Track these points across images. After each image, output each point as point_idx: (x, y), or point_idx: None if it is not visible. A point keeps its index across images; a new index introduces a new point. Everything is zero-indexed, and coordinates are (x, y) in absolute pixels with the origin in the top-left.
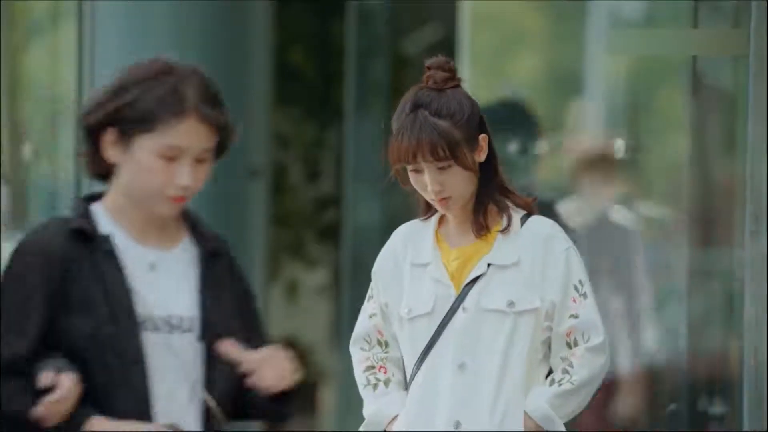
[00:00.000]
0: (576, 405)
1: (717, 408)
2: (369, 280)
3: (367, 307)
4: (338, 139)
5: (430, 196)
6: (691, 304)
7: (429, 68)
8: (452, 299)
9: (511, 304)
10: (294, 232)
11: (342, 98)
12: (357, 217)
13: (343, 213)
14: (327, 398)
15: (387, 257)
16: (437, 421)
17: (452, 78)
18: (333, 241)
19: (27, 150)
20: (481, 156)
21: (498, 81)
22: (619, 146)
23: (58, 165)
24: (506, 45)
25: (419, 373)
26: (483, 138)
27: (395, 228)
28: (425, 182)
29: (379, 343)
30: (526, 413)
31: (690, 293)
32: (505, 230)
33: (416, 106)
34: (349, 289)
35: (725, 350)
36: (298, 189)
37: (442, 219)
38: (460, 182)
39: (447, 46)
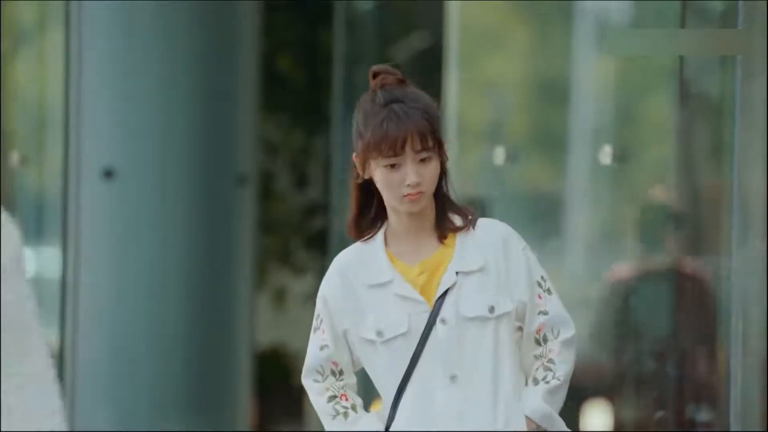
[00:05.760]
0: (561, 401)
1: (704, 415)
2: None
3: (316, 339)
4: (326, 146)
5: (401, 193)
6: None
7: (377, 74)
8: (427, 314)
9: (491, 309)
10: (281, 239)
11: (329, 105)
12: (344, 224)
13: (331, 220)
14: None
15: (335, 284)
16: None
17: (402, 80)
18: (320, 248)
19: (15, 157)
20: (447, 155)
21: (485, 88)
22: (606, 153)
23: (46, 172)
24: (493, 52)
25: (406, 392)
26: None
27: None
28: (402, 177)
29: (333, 372)
30: (526, 416)
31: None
32: (464, 229)
33: (390, 101)
34: None
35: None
36: (285, 196)
37: (386, 239)
38: (435, 176)
39: (434, 52)
